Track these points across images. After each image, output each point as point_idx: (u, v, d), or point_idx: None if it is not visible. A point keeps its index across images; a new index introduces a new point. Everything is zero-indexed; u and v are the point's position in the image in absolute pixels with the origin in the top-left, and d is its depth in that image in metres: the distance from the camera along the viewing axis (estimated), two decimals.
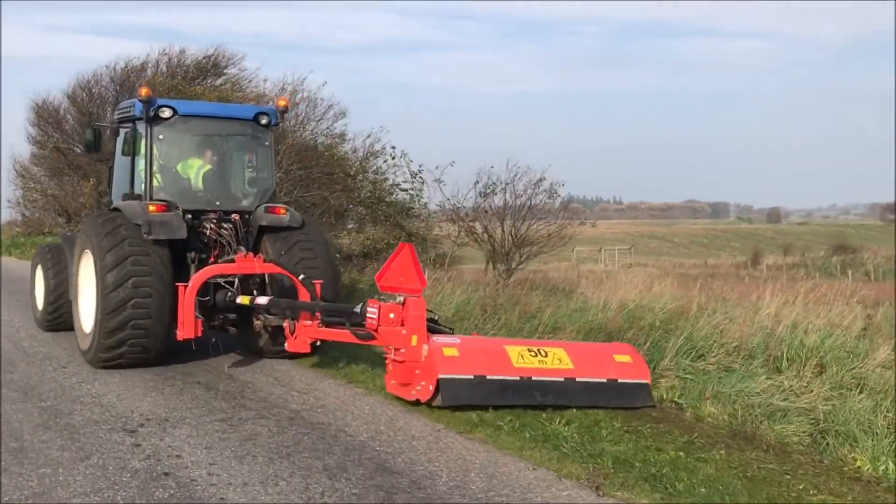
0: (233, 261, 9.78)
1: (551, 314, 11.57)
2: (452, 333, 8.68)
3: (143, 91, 10.04)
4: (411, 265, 8.05)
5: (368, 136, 24.44)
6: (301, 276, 9.59)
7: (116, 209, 10.15)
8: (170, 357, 9.85)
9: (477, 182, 18.31)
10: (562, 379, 8.00)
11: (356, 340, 8.54)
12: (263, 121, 10.75)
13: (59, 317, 11.74)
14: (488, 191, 18.23)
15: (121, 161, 11.00)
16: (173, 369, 9.60)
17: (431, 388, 7.72)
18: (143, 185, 10.17)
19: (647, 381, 8.37)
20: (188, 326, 9.33)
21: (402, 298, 8.03)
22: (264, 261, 9.77)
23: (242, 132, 10.87)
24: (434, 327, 8.43)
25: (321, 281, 9.76)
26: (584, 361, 8.25)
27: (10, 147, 64.56)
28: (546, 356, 8.10)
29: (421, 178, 20.05)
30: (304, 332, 9.22)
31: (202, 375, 9.42)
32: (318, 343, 9.38)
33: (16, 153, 35.24)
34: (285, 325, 9.45)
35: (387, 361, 8.32)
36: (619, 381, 8.19)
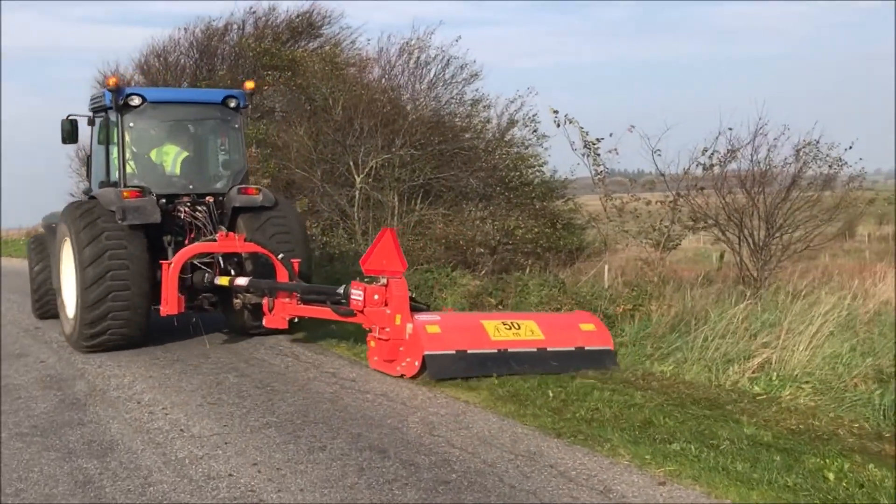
0: (214, 240, 10.03)
1: None
2: (429, 310, 9.17)
3: (111, 81, 10.23)
4: (393, 249, 8.42)
5: (512, 101, 19.73)
6: (280, 256, 9.92)
7: (94, 197, 10.25)
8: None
9: (706, 149, 13.35)
10: (535, 349, 8.54)
11: (336, 317, 8.95)
12: (232, 104, 10.95)
13: (45, 304, 12.10)
14: (721, 160, 13.27)
15: (97, 150, 11.20)
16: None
17: (417, 363, 8.11)
18: (117, 173, 10.35)
19: (610, 347, 8.95)
20: (171, 303, 9.64)
21: (385, 280, 8.32)
22: (245, 240, 10.11)
23: (212, 116, 11.09)
24: (413, 305, 8.71)
25: (299, 259, 10.12)
26: (554, 332, 8.80)
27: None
28: (519, 328, 8.64)
29: (597, 149, 15.01)
30: (283, 309, 9.61)
31: None
32: (297, 320, 9.73)
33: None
34: (264, 302, 9.78)
35: (368, 339, 8.68)
36: (586, 348, 8.76)
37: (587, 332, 8.92)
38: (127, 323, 9.62)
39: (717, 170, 13.51)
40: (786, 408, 7.09)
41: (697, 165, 13.74)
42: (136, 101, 10.33)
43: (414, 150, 18.05)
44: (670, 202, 14.19)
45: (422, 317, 8.40)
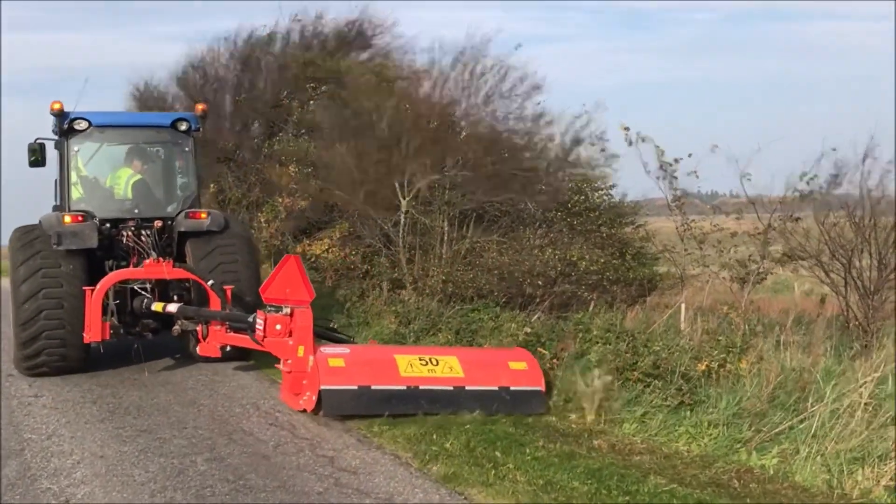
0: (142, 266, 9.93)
1: None
2: (351, 342, 9.37)
3: (55, 105, 10.17)
4: (298, 277, 8.20)
5: (578, 118, 17.67)
6: (210, 282, 9.76)
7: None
8: None
9: (805, 174, 11.20)
10: (450, 387, 8.02)
11: (255, 346, 8.61)
12: (182, 127, 10.83)
13: None
14: (824, 186, 11.11)
15: (59, 173, 10.95)
16: None
17: (315, 398, 7.69)
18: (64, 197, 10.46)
19: (540, 388, 8.31)
20: (95, 330, 9.48)
21: (289, 310, 8.06)
22: (173, 265, 9.91)
23: (161, 140, 11.00)
24: (334, 336, 9.26)
25: (231, 286, 9.91)
26: (476, 369, 8.27)
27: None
28: (437, 364, 8.15)
29: (674, 171, 12.91)
30: (215, 337, 9.49)
31: None
32: (228, 348, 9.52)
33: None
34: (199, 329, 9.64)
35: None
36: (512, 388, 8.19)
37: (516, 370, 8.33)
38: (63, 342, 9.53)
39: (817, 198, 11.39)
40: None
41: (794, 192, 11.60)
42: (82, 125, 10.30)
43: (466, 172, 16.16)
44: (760, 233, 12.05)
45: (327, 349, 8.13)
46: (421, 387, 7.92)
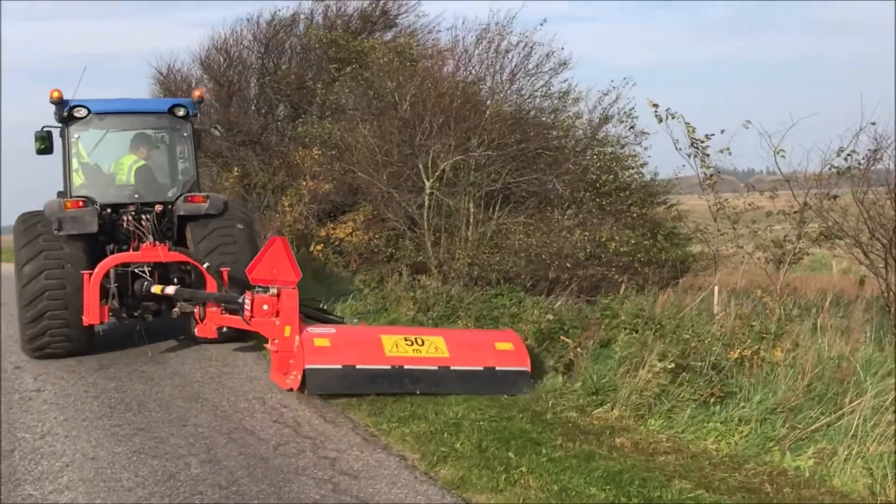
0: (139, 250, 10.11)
1: None
2: (342, 323, 9.55)
3: (54, 93, 10.36)
4: (285, 257, 8.23)
5: (605, 94, 17.15)
6: (206, 265, 9.94)
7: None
8: None
9: (842, 149, 10.60)
10: (435, 367, 8.06)
11: (247, 327, 8.68)
12: (180, 112, 10.96)
13: None
14: (862, 162, 10.51)
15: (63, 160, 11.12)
16: None
17: (300, 377, 7.76)
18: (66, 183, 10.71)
19: (526, 368, 8.29)
20: (93, 313, 9.64)
21: (276, 290, 8.13)
22: (169, 249, 10.09)
23: (160, 125, 11.14)
24: (324, 317, 9.39)
25: (229, 268, 10.04)
26: (462, 349, 8.32)
27: None
28: (422, 345, 8.20)
29: (706, 148, 12.31)
30: (211, 319, 9.59)
31: None
32: (225, 329, 9.62)
33: None
34: (196, 311, 9.74)
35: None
36: (497, 368, 8.22)
37: (502, 351, 8.36)
38: (66, 322, 9.72)
39: (856, 174, 10.78)
40: None
41: (831, 168, 10.99)
42: (81, 112, 10.46)
43: (491, 152, 15.65)
44: (795, 212, 11.45)
45: (314, 329, 8.22)
46: (406, 366, 7.97)
